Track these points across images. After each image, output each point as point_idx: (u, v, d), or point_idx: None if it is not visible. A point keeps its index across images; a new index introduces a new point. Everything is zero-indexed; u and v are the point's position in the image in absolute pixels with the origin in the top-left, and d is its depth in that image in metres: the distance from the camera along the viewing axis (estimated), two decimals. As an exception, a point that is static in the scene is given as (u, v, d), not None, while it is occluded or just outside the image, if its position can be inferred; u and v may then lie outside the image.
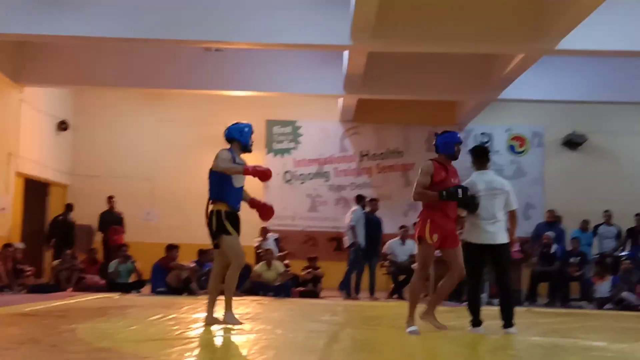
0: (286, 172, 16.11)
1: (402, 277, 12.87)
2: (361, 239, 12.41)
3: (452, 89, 13.45)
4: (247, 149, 6.75)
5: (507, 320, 6.48)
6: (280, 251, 13.61)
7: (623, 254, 13.54)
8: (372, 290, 12.47)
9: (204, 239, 13.44)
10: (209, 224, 6.46)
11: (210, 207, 6.50)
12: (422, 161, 17.13)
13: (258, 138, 16.08)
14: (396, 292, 12.72)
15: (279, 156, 16.16)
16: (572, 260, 12.84)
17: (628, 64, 12.88)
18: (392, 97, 14.32)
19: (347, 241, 12.65)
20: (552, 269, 12.56)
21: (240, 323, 6.41)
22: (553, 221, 13.67)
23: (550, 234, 13.05)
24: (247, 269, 12.66)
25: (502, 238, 6.62)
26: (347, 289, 12.30)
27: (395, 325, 7.46)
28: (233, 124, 6.79)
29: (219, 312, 6.50)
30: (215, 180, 6.47)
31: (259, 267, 12.30)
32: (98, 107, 16.01)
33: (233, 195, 6.53)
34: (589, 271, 13.05)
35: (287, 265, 12.70)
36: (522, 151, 16.09)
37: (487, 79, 12.91)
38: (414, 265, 6.67)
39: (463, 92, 13.78)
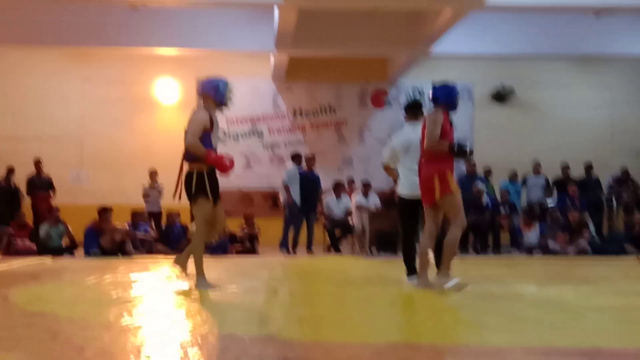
0: (220, 130, 15.94)
1: (338, 233, 13.05)
2: (296, 197, 12.45)
3: (383, 45, 13.48)
4: (222, 105, 6.43)
5: (441, 268, 6.49)
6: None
7: (550, 203, 14.03)
8: (309, 245, 12.59)
9: (138, 200, 13.47)
10: (187, 185, 6.18)
11: (187, 167, 6.24)
12: (355, 118, 17.28)
13: (190, 97, 15.97)
14: (333, 246, 12.89)
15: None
16: (501, 210, 13.24)
17: (553, 19, 13.17)
18: (324, 55, 14.30)
19: (281, 199, 12.72)
20: (482, 219, 12.90)
21: (212, 286, 6.12)
22: (473, 173, 13.98)
23: (481, 185, 13.37)
24: (183, 229, 12.61)
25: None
26: (286, 246, 12.39)
27: (333, 279, 7.59)
28: (207, 79, 6.45)
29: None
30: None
31: (194, 227, 12.22)
32: (22, 67, 15.46)
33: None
34: (518, 220, 13.48)
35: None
36: (453, 105, 16.32)
37: (417, 35, 12.99)
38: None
39: (394, 48, 13.85)
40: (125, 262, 10.08)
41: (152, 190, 13.61)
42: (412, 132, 6.73)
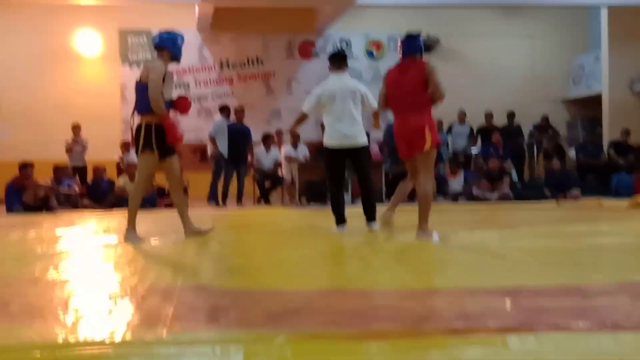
0: (144, 83, 15.62)
1: (268, 184, 13.06)
2: (223, 149, 12.35)
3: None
4: (177, 60, 6.31)
5: (370, 216, 6.71)
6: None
7: (474, 151, 14.37)
8: (239, 198, 12.56)
9: (61, 154, 13.12)
10: (136, 138, 6.08)
11: (138, 119, 6.11)
12: (283, 69, 17.17)
13: (112, 49, 15.53)
14: (263, 198, 12.90)
15: (136, 67, 15.57)
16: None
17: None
18: (249, 4, 14.08)
19: (208, 152, 12.60)
20: (404, 168, 13.09)
21: (141, 239, 6.08)
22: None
23: None
24: (109, 184, 12.39)
25: (361, 140, 6.70)
26: (214, 198, 12.34)
27: (263, 230, 7.62)
28: (166, 32, 6.32)
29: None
30: (145, 92, 6.03)
31: (122, 181, 12.05)
32: None
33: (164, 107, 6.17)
34: (443, 168, 13.75)
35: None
36: (380, 56, 16.40)
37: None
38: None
39: (320, -2, 13.75)
40: (49, 217, 9.86)
41: (76, 144, 13.28)
42: (338, 82, 6.72)
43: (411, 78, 5.96)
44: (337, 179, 6.84)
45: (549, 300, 3.18)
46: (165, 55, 6.23)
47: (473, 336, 2.54)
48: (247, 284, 3.94)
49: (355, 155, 6.73)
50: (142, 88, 6.09)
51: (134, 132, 6.16)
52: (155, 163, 6.14)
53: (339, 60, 6.89)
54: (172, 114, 6.33)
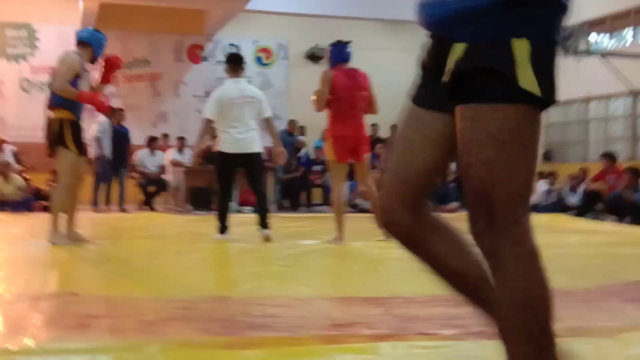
0: (23, 79, 14.98)
1: (152, 189, 12.79)
2: (107, 151, 12.00)
3: (200, -4, 13.25)
4: (95, 61, 6.14)
5: (263, 223, 6.59)
6: (19, 164, 12.80)
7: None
8: (121, 201, 12.22)
9: None
10: (50, 135, 5.86)
11: (50, 114, 5.87)
12: (171, 72, 16.89)
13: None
14: (146, 203, 12.62)
15: (14, 62, 14.94)
16: (314, 167, 13.63)
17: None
18: (137, 2, 13.77)
19: (92, 153, 12.17)
20: (296, 175, 13.23)
21: (72, 243, 5.85)
22: (293, 132, 14.36)
23: (301, 138, 13.78)
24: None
25: (256, 147, 6.64)
26: (96, 202, 11.94)
27: (146, 235, 7.47)
28: (91, 29, 6.26)
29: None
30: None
31: (-5, 181, 11.51)
32: None
33: (78, 103, 5.92)
34: (329, 178, 13.94)
35: (27, 179, 12.01)
36: (269, 63, 16.44)
37: (234, -12, 12.89)
38: None
39: (209, 1, 13.64)
40: None
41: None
42: (235, 87, 6.64)
43: (360, 86, 6.35)
44: (228, 185, 6.78)
45: (420, 309, 3.29)
46: (86, 52, 6.06)
47: (345, 344, 2.59)
48: (123, 291, 3.85)
49: (249, 162, 6.63)
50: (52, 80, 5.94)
51: (47, 127, 5.96)
52: (75, 160, 5.95)
53: (235, 63, 6.82)
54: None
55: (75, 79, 5.90)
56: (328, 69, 6.52)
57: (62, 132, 5.87)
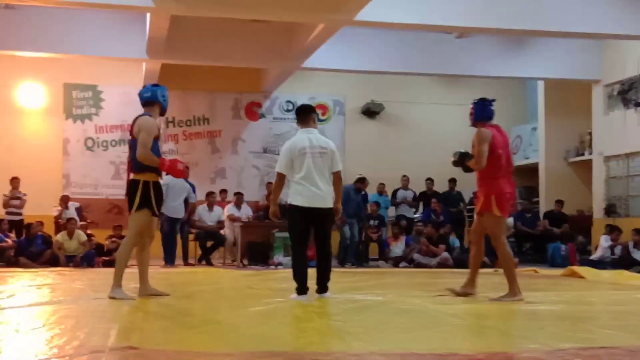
0: (87, 138, 15.50)
1: (210, 243, 12.93)
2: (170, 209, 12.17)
3: (257, 56, 13.56)
4: (164, 113, 6.40)
5: (324, 286, 6.31)
6: (82, 220, 13.14)
7: (416, 216, 14.55)
8: (185, 256, 12.37)
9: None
10: (131, 194, 5.99)
11: (133, 176, 6.02)
12: (229, 128, 17.25)
13: (56, 102, 15.39)
14: (204, 258, 12.74)
15: (80, 122, 15.50)
16: (371, 222, 13.58)
17: (420, 38, 13.73)
18: (196, 63, 14.19)
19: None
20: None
21: (133, 298, 6.00)
22: (362, 189, 14.31)
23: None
24: (44, 239, 12.08)
25: (330, 202, 6.26)
26: (167, 258, 11.98)
27: (203, 290, 7.52)
28: (152, 86, 6.38)
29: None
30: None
31: (60, 237, 11.81)
32: None
33: None
34: (386, 233, 13.87)
35: (89, 235, 12.30)
36: (325, 119, 16.64)
37: (290, 47, 13.16)
38: None
39: (267, 60, 13.95)
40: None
41: (13, 198, 12.99)
42: (307, 139, 6.27)
43: (506, 143, 6.50)
44: (304, 240, 6.29)
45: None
46: (155, 109, 6.24)
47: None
48: (179, 344, 3.88)
49: (322, 217, 6.22)
50: (134, 143, 6.04)
51: (128, 188, 6.07)
52: (149, 220, 6.10)
53: (305, 114, 6.45)
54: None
55: (155, 142, 6.08)
56: (471, 125, 6.65)
57: (146, 193, 5.99)
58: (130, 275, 6.40)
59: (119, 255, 6.19)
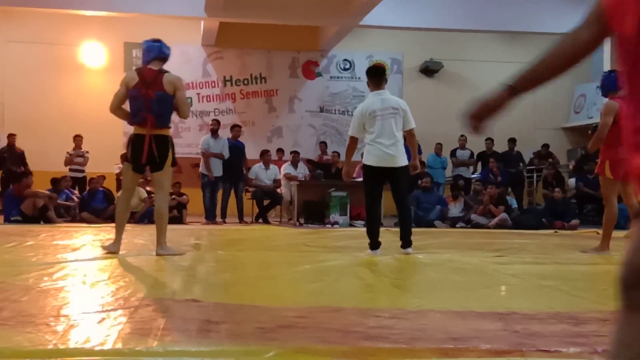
0: (147, 97, 15.69)
1: (266, 202, 13.05)
2: (218, 167, 12.36)
3: (314, 14, 13.47)
4: None
5: (406, 241, 6.49)
6: (142, 177, 13.38)
7: (474, 176, 14.37)
8: (240, 215, 12.55)
9: (59, 166, 13.11)
10: (163, 150, 6.03)
11: (161, 132, 6.05)
12: (286, 87, 17.23)
13: (117, 61, 15.61)
14: (261, 216, 12.88)
15: (139, 80, 15.66)
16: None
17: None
18: (254, 21, 14.17)
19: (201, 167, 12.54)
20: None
21: (181, 253, 6.13)
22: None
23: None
24: (106, 194, 12.38)
25: (402, 160, 6.43)
26: (208, 214, 12.28)
27: (260, 247, 7.62)
28: (151, 42, 6.57)
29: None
30: (170, 108, 6.10)
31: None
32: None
33: None
34: (443, 192, 13.76)
35: (150, 192, 12.51)
36: (383, 77, 16.43)
37: (348, 4, 13.03)
38: None
39: (325, 18, 13.85)
40: (47, 228, 9.85)
41: (76, 155, 13.31)
42: (379, 100, 6.44)
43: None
44: (376, 199, 6.55)
45: (540, 326, 3.18)
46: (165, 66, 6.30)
47: (463, 358, 2.54)
48: (240, 299, 3.94)
49: (395, 176, 6.44)
50: (169, 100, 6.04)
51: (154, 145, 5.99)
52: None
53: (376, 76, 6.62)
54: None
55: None
56: (602, 95, 7.00)
57: (172, 150, 6.12)
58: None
59: (162, 213, 6.23)
